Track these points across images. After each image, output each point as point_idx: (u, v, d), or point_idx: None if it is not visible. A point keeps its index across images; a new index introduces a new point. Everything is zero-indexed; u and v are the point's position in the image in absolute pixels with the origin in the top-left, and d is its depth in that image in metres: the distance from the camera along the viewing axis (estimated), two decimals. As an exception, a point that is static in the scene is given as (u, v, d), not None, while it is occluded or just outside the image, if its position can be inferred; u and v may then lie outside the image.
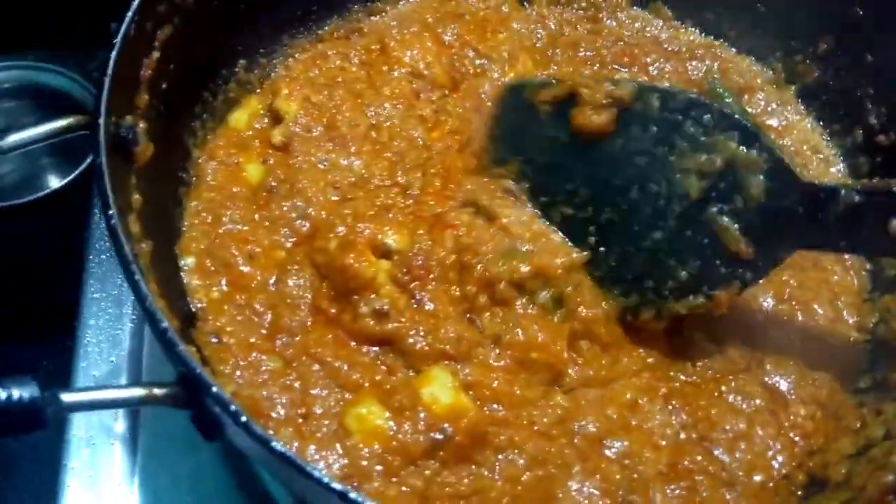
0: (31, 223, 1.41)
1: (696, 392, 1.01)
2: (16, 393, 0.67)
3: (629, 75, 1.30)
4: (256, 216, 1.08)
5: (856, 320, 1.09)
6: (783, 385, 1.03)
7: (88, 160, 1.36)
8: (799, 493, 0.93)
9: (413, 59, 1.25)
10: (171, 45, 1.03)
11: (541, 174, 1.07)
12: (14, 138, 1.35)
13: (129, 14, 0.94)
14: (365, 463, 0.88)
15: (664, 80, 1.29)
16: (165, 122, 1.03)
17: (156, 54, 1.01)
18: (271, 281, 1.03)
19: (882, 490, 0.83)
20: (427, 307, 0.99)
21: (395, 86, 1.22)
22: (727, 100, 1.22)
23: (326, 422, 0.91)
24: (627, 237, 1.01)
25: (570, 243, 1.04)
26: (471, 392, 0.94)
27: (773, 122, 1.27)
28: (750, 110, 1.27)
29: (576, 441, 0.95)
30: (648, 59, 1.31)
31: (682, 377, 1.02)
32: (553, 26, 1.36)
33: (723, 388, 1.01)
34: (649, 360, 1.03)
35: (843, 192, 0.91)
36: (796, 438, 0.98)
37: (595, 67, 1.30)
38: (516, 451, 0.92)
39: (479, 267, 1.00)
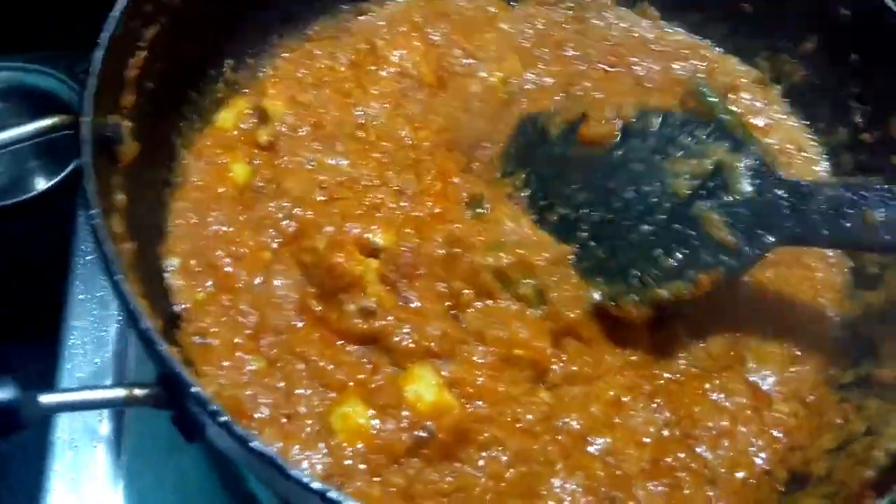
0: (17, 225, 1.41)
1: (679, 390, 1.01)
2: (-7, 394, 0.67)
3: (615, 75, 1.30)
4: (242, 217, 1.08)
5: (838, 317, 1.09)
6: (766, 382, 1.03)
7: (75, 162, 1.36)
8: (781, 489, 0.94)
9: (401, 59, 1.25)
10: (158, 45, 1.03)
11: (542, 183, 1.10)
12: (-3, 138, 1.35)
13: (116, 13, 0.95)
14: (348, 462, 0.88)
15: (650, 79, 1.29)
16: (151, 121, 1.03)
17: (142, 54, 1.01)
18: (257, 281, 1.02)
19: (862, 484, 0.84)
20: (413, 305, 0.99)
21: (383, 85, 1.22)
22: (712, 99, 1.22)
23: (310, 421, 0.92)
24: (617, 232, 1.03)
25: (558, 244, 1.04)
26: (455, 389, 0.94)
27: (759, 122, 1.27)
28: (735, 109, 1.26)
29: (559, 438, 0.95)
30: (635, 59, 1.32)
31: (666, 375, 1.03)
32: (540, 26, 1.36)
33: (706, 385, 1.02)
34: (633, 357, 1.03)
35: (824, 188, 0.97)
36: (778, 435, 0.99)
37: (582, 67, 1.31)
38: (499, 448, 0.92)
39: (465, 257, 1.00)
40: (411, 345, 0.96)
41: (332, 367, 0.95)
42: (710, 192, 1.00)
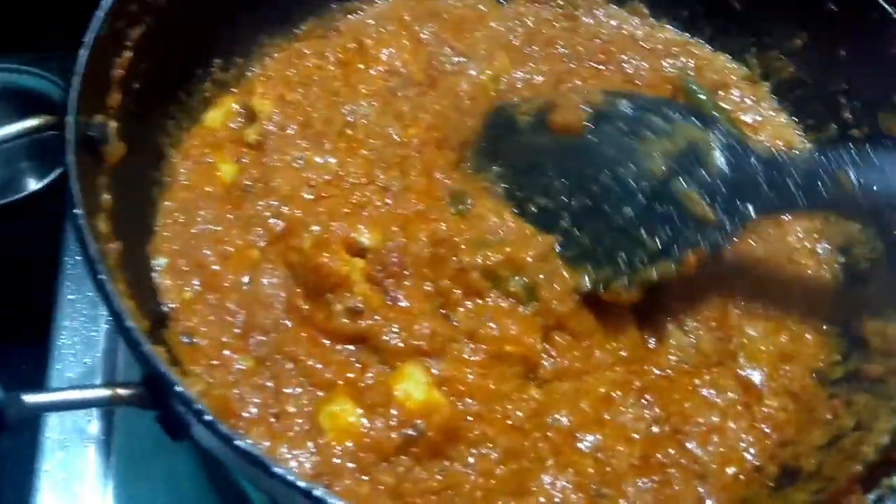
0: (8, 225, 1.40)
1: (669, 386, 1.01)
2: (-23, 394, 0.67)
3: (605, 72, 1.31)
4: (230, 216, 1.08)
5: (829, 313, 1.09)
6: (756, 378, 1.03)
7: (64, 162, 1.35)
8: (771, 484, 0.94)
9: (389, 57, 1.25)
10: (144, 45, 1.03)
11: (517, 175, 1.10)
12: (-18, 138, 1.35)
13: (101, 13, 0.94)
14: (337, 461, 0.88)
15: (639, 77, 1.30)
16: (138, 121, 1.03)
17: (128, 54, 1.00)
18: (245, 280, 1.02)
19: (850, 479, 0.84)
20: (401, 304, 0.99)
21: (372, 84, 1.22)
22: (701, 97, 1.23)
23: (299, 420, 0.91)
24: (598, 217, 1.04)
25: (541, 236, 1.04)
26: (444, 388, 0.94)
27: (748, 119, 1.27)
28: (725, 107, 1.27)
29: (549, 435, 0.95)
30: (624, 57, 1.32)
31: (656, 371, 1.03)
32: (530, 24, 1.36)
33: (696, 381, 1.02)
34: (623, 353, 1.03)
35: (797, 157, 1.01)
36: (768, 430, 0.99)
37: (572, 64, 1.31)
38: (489, 445, 0.92)
39: (452, 258, 1.00)
40: (400, 344, 0.96)
41: (320, 366, 0.95)
42: (686, 170, 1.01)
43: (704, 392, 1.01)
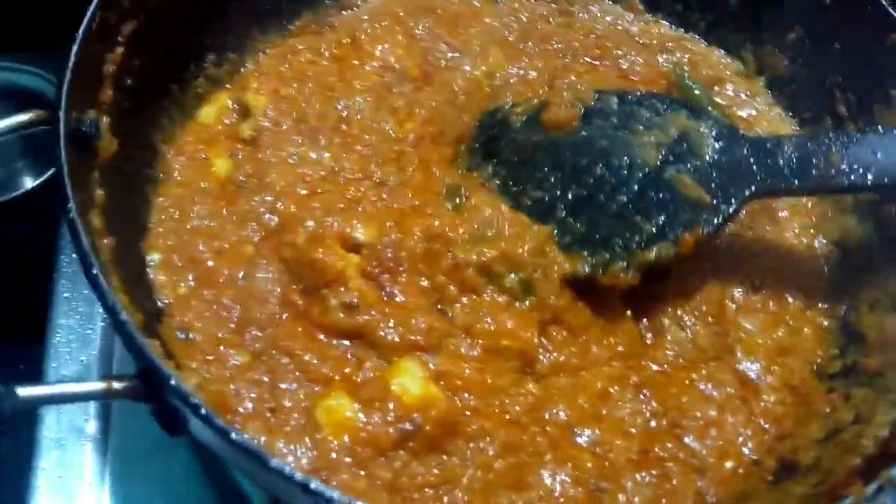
0: (4, 224, 1.40)
1: (666, 380, 1.01)
2: (-29, 389, 0.66)
3: (600, 68, 1.30)
4: (224, 211, 1.07)
5: (826, 307, 1.09)
6: (753, 372, 1.03)
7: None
8: (769, 478, 0.94)
9: (384, 53, 1.25)
10: (136, 41, 1.02)
11: (511, 170, 1.10)
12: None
13: (91, 8, 0.94)
14: (334, 456, 0.88)
15: (634, 72, 1.29)
16: (131, 117, 1.03)
17: (120, 49, 1.00)
18: (240, 276, 1.02)
19: (849, 472, 0.84)
20: (397, 299, 0.99)
21: (366, 79, 1.21)
22: (695, 91, 1.23)
23: (295, 415, 0.91)
24: (594, 206, 1.05)
25: (537, 226, 1.04)
26: (441, 382, 0.94)
27: (743, 113, 1.27)
28: (720, 101, 1.27)
29: (547, 429, 0.95)
30: (619, 52, 1.32)
31: (653, 366, 1.02)
32: (525, 20, 1.36)
33: (693, 376, 1.02)
34: (619, 348, 1.03)
35: (787, 140, 1.04)
36: (766, 424, 0.99)
37: (566, 60, 1.31)
38: (487, 439, 0.92)
39: (447, 254, 1.00)
40: (396, 339, 0.95)
41: (316, 361, 0.95)
42: (679, 158, 1.04)
43: (702, 386, 1.01)
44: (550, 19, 1.37)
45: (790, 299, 1.09)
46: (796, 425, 0.98)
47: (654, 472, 0.94)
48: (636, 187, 1.04)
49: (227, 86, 1.22)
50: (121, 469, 1.08)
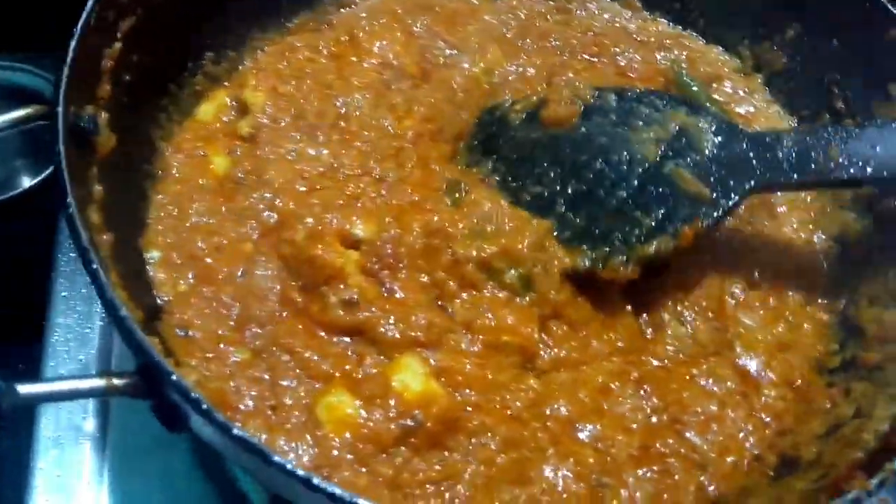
0: (2, 223, 1.39)
1: (667, 376, 1.01)
2: (-29, 386, 0.66)
3: (598, 65, 1.30)
4: (223, 208, 1.07)
5: (826, 302, 1.09)
6: (754, 367, 1.03)
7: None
8: (770, 473, 0.94)
9: (382, 50, 1.25)
10: (135, 37, 1.02)
11: (510, 167, 1.11)
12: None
13: (89, 4, 0.93)
14: (335, 452, 0.87)
15: (632, 69, 1.29)
16: (130, 113, 1.02)
17: (118, 45, 0.99)
18: (239, 273, 1.01)
19: (850, 466, 0.83)
20: (397, 295, 0.98)
21: (365, 76, 1.21)
22: (693, 88, 1.23)
23: (296, 413, 0.90)
24: (594, 201, 1.05)
25: (536, 220, 1.04)
26: (442, 378, 0.94)
27: (741, 110, 1.27)
28: (718, 98, 1.28)
29: (548, 425, 0.94)
30: (617, 49, 1.32)
31: (654, 361, 1.03)
32: (523, 17, 1.36)
33: (694, 371, 1.02)
34: (620, 343, 1.02)
35: (785, 135, 1.04)
36: (767, 419, 0.99)
37: (564, 57, 1.31)
38: (488, 435, 0.92)
39: (447, 249, 0.99)
40: (397, 335, 0.95)
41: (317, 358, 0.94)
42: (679, 153, 1.04)
43: (702, 382, 1.01)
44: (548, 17, 1.37)
45: (790, 294, 1.09)
46: (797, 420, 0.98)
47: (655, 467, 0.94)
48: (635, 182, 1.04)
49: (226, 83, 1.21)
50: (119, 467, 1.08)
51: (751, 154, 1.03)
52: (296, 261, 1.00)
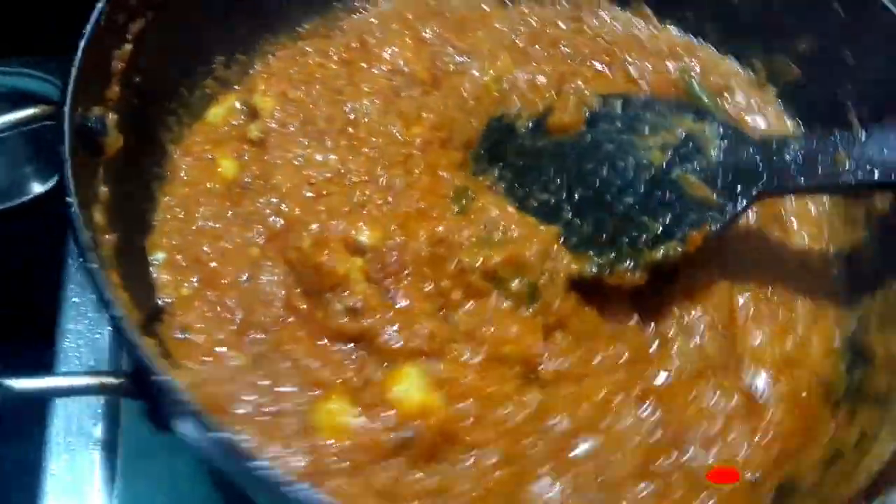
0: (13, 228, 1.40)
1: (670, 392, 0.99)
2: (-37, 381, 0.66)
3: (609, 74, 1.30)
4: (230, 213, 1.07)
5: (835, 322, 1.07)
6: (760, 386, 1.01)
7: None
8: (771, 495, 0.92)
9: (392, 56, 1.25)
10: (145, 39, 1.03)
11: (517, 174, 1.10)
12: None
13: (99, 5, 0.94)
14: (330, 460, 0.86)
15: (643, 78, 1.28)
16: (139, 115, 1.03)
17: (128, 47, 1.00)
18: (243, 278, 1.01)
19: (852, 495, 0.81)
20: (401, 304, 0.98)
21: (375, 82, 1.21)
22: (704, 99, 1.22)
23: (293, 420, 0.90)
24: (601, 207, 1.05)
25: (544, 226, 1.04)
26: (443, 389, 0.93)
27: (752, 123, 1.26)
28: (730, 109, 1.26)
29: (547, 439, 0.93)
30: (628, 58, 1.31)
31: (658, 376, 1.01)
32: (534, 24, 1.36)
33: (698, 387, 1.00)
34: (625, 356, 1.01)
35: (792, 140, 1.04)
36: (771, 442, 0.97)
37: (575, 65, 1.30)
38: (486, 448, 0.91)
39: (453, 259, 0.99)
40: (399, 344, 0.94)
41: (317, 365, 0.94)
42: (686, 158, 1.05)
43: (706, 399, 0.99)
44: (560, 24, 1.36)
45: (800, 311, 1.07)
46: (800, 444, 0.96)
47: (654, 485, 0.92)
48: (642, 188, 1.04)
49: (236, 87, 1.22)
50: (130, 473, 1.07)
51: (757, 159, 1.02)
52: (301, 267, 1.00)
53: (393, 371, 0.93)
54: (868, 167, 0.97)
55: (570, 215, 1.05)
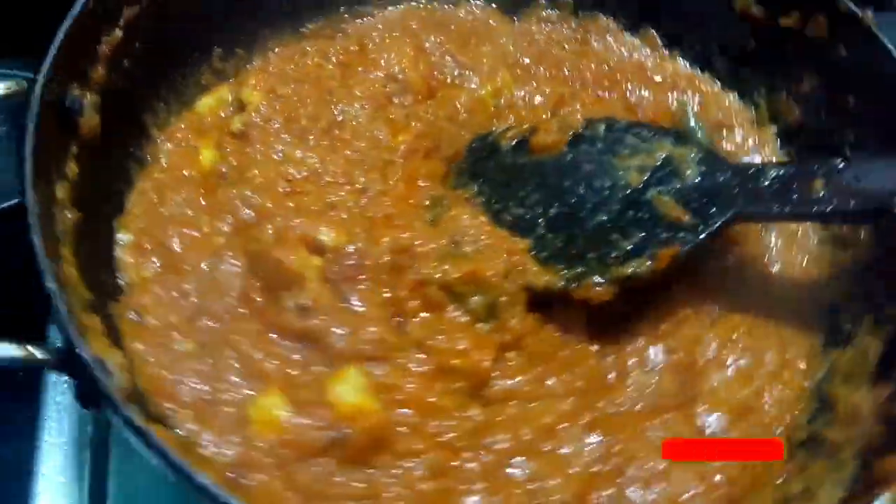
0: (9, 227, 1.42)
1: (620, 424, 0.97)
2: None
3: (607, 100, 1.28)
4: (203, 201, 1.09)
5: (805, 369, 1.03)
6: (714, 427, 0.98)
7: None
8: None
9: (389, 63, 1.25)
10: (137, 26, 1.05)
11: (495, 189, 1.10)
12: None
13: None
14: (257, 454, 0.87)
15: (641, 107, 1.26)
16: (124, 99, 1.05)
17: (118, 33, 1.03)
18: (204, 266, 1.02)
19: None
20: (355, 307, 0.98)
21: (368, 87, 1.22)
22: (697, 133, 1.19)
23: (231, 409, 0.90)
24: (573, 222, 1.05)
25: (515, 238, 1.04)
26: (382, 395, 0.93)
27: (749, 160, 1.22)
28: (727, 146, 1.24)
29: (483, 457, 0.92)
30: (629, 86, 1.29)
31: (610, 407, 0.99)
32: (540, 43, 1.35)
33: (649, 423, 0.97)
34: (578, 384, 0.99)
35: (769, 168, 1.04)
36: (718, 484, 0.93)
37: (575, 88, 1.29)
38: (417, 459, 0.90)
39: (412, 269, 0.99)
40: (344, 346, 0.94)
41: (262, 358, 0.94)
42: (662, 181, 1.05)
43: (655, 436, 0.96)
44: (565, 45, 1.35)
45: (766, 359, 1.04)
46: (747, 490, 0.92)
47: (587, 517, 0.90)
48: (617, 207, 1.05)
49: (231, 80, 1.24)
50: (123, 473, 1.06)
51: (733, 183, 1.03)
52: (259, 260, 1.01)
53: (334, 372, 0.93)
54: (844, 195, 0.95)
55: (542, 230, 1.05)
